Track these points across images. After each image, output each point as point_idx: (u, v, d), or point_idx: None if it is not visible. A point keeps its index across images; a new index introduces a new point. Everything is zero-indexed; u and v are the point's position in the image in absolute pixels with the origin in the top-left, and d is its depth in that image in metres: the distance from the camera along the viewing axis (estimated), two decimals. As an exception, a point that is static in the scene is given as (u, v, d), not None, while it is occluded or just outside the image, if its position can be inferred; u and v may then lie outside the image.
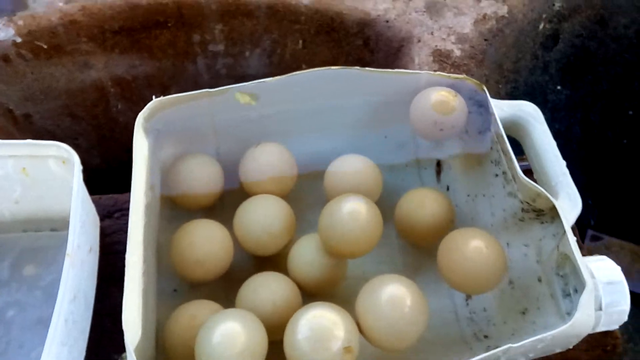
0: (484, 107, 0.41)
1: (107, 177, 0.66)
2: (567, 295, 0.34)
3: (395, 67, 0.53)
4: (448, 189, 0.45)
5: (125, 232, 0.33)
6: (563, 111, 0.75)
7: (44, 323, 0.31)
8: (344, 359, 0.31)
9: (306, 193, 0.45)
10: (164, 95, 0.39)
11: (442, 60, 0.58)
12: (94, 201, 0.42)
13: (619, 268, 0.34)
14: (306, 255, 0.39)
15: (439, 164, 0.47)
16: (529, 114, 0.41)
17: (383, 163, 0.44)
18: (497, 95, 0.62)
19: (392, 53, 0.61)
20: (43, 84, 0.60)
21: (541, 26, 0.66)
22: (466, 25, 0.60)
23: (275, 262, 0.41)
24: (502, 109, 0.41)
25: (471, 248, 0.37)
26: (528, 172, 0.39)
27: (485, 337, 0.39)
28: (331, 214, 0.38)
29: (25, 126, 0.62)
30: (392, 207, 0.43)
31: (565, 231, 0.34)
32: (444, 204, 0.42)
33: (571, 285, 0.34)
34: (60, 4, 0.58)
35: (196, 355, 0.32)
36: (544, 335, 0.31)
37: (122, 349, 0.30)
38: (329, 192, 0.43)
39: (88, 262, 0.38)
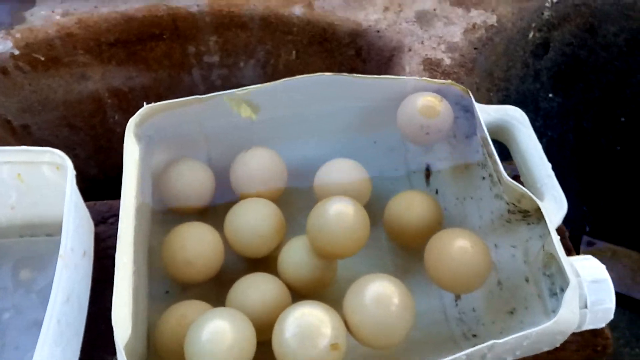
0: (470, 112, 0.41)
1: (104, 186, 0.67)
2: (553, 294, 0.35)
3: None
4: (437, 192, 0.46)
5: (120, 237, 0.33)
6: (556, 119, 0.76)
7: (39, 326, 0.32)
8: (331, 356, 0.32)
9: (296, 197, 0.45)
10: (160, 106, 0.40)
11: (432, 68, 0.58)
12: (88, 207, 0.42)
13: (604, 267, 0.34)
14: (295, 257, 0.39)
15: (428, 168, 0.47)
16: (515, 118, 0.41)
17: (373, 167, 0.45)
18: (489, 103, 0.62)
19: (384, 62, 0.61)
20: (41, 95, 0.61)
21: (531, 35, 0.67)
22: (456, 34, 0.61)
23: (265, 264, 0.41)
24: (488, 113, 0.41)
25: (456, 247, 0.37)
26: (517, 178, 0.40)
27: (474, 336, 0.39)
28: (319, 215, 0.38)
29: (23, 137, 0.62)
30: (381, 210, 0.44)
31: (549, 231, 0.34)
32: (432, 206, 0.42)
33: (557, 284, 0.34)
34: (57, 17, 0.59)
35: (186, 353, 0.33)
36: (529, 331, 0.31)
37: (115, 351, 0.30)
38: (319, 196, 0.43)
39: (82, 266, 0.38)
